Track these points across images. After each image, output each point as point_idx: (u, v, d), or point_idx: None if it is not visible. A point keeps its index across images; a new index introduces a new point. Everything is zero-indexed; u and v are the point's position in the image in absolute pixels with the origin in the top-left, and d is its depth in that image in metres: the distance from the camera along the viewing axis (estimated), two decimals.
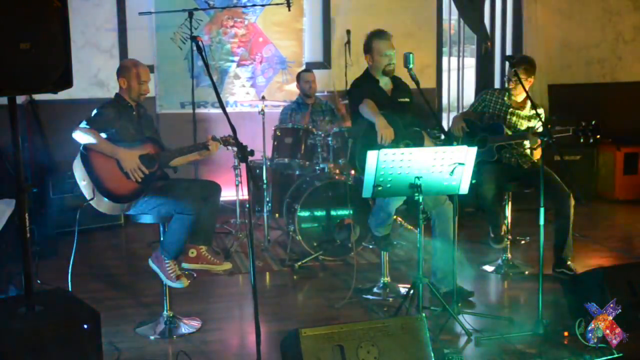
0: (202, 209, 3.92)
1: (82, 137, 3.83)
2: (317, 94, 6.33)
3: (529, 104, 4.93)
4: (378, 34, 4.45)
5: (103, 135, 3.90)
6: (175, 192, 3.92)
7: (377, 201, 4.47)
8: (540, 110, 4.83)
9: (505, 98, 4.99)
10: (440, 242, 4.37)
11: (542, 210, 3.82)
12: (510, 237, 5.09)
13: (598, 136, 4.17)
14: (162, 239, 4.07)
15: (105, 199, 3.82)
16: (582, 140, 4.21)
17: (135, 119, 4.09)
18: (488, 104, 5.04)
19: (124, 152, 3.88)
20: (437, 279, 4.37)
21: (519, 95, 4.95)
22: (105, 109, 3.97)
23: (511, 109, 4.97)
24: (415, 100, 4.47)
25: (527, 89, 4.57)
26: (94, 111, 3.96)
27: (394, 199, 4.25)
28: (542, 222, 3.83)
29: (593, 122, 4.16)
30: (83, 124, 3.85)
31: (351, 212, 5.19)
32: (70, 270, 3.85)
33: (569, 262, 4.81)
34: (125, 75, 4.05)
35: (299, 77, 6.20)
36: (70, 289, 3.83)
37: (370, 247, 5.34)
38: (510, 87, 4.92)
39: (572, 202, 4.75)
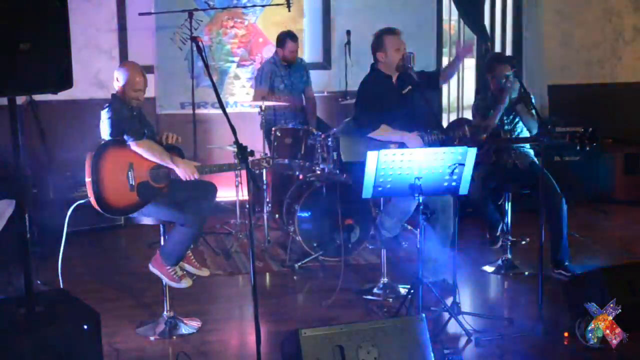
0: (203, 220, 3.98)
1: (145, 152, 3.83)
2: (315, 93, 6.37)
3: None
4: (389, 30, 4.50)
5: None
6: (180, 204, 3.93)
7: (393, 200, 4.46)
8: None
9: (493, 100, 4.99)
10: (441, 234, 4.40)
11: (542, 210, 3.82)
12: (510, 237, 5.08)
13: (595, 143, 4.15)
14: (162, 244, 4.08)
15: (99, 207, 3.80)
16: (578, 148, 4.21)
17: (139, 118, 4.07)
18: (483, 111, 5.03)
19: (180, 162, 3.91)
20: (427, 268, 4.38)
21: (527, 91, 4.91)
22: (121, 111, 3.93)
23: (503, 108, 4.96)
24: (415, 83, 4.54)
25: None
26: (114, 117, 3.88)
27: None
28: (542, 222, 3.83)
29: (590, 129, 4.15)
30: (140, 139, 3.84)
31: (351, 212, 5.20)
32: (60, 267, 3.83)
33: (566, 263, 4.80)
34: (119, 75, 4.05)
35: (283, 43, 6.08)
36: (62, 285, 3.82)
37: (370, 247, 5.32)
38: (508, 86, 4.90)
39: (565, 205, 4.76)
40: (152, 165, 3.90)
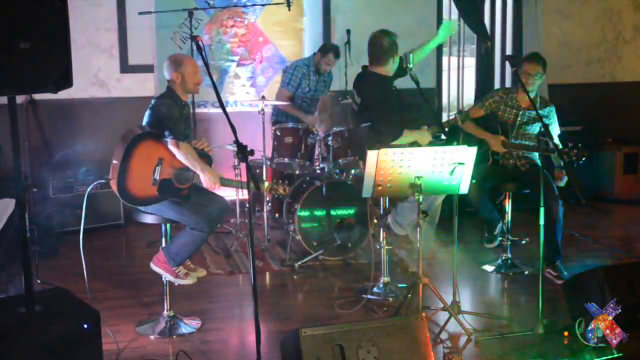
0: (213, 227, 4.05)
1: (179, 153, 3.86)
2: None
3: (538, 102, 4.93)
4: (396, 36, 4.56)
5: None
6: (192, 207, 3.94)
7: (411, 199, 4.49)
8: (547, 111, 4.88)
9: (516, 98, 4.97)
10: (428, 226, 4.46)
11: (542, 210, 3.82)
12: (509, 237, 5.08)
13: (584, 158, 4.14)
14: (166, 245, 4.09)
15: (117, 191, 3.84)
16: (568, 162, 4.20)
17: (184, 118, 4.09)
18: (499, 103, 5.01)
19: (207, 171, 3.93)
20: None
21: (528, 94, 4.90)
22: (172, 109, 3.95)
23: (522, 110, 4.95)
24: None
25: (539, 85, 4.64)
26: (163, 111, 3.91)
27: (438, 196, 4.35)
28: (542, 222, 3.83)
29: (579, 145, 4.15)
30: (180, 140, 3.87)
31: (351, 212, 5.21)
32: (84, 263, 3.84)
33: (557, 263, 4.80)
34: (178, 69, 4.02)
35: (326, 53, 6.07)
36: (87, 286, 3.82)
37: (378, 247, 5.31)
38: (529, 81, 4.79)
39: (561, 207, 4.76)
40: (180, 165, 3.92)
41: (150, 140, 3.88)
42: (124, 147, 3.79)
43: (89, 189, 4.08)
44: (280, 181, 4.25)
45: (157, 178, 3.87)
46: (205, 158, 4.05)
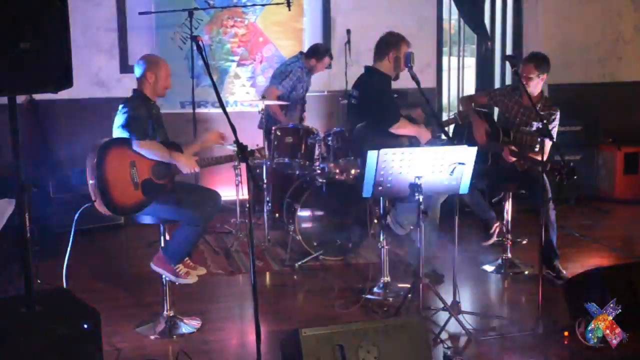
0: (208, 220, 4.03)
1: (147, 152, 3.84)
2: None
3: (541, 102, 4.92)
4: (402, 36, 4.56)
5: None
6: (186, 203, 3.94)
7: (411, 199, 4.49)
8: (549, 114, 4.87)
9: (521, 94, 4.97)
10: (431, 223, 4.46)
11: (542, 210, 3.82)
12: (509, 237, 5.08)
13: (575, 176, 4.11)
14: (165, 244, 4.09)
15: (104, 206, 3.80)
16: (557, 179, 4.20)
17: (154, 117, 4.09)
18: (504, 97, 5.01)
19: (181, 157, 3.93)
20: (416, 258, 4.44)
21: (532, 92, 4.87)
22: (138, 110, 3.93)
23: (522, 109, 4.95)
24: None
25: (541, 86, 4.61)
26: (128, 114, 3.88)
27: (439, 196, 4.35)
28: (542, 222, 3.83)
29: (570, 164, 4.14)
30: (142, 139, 3.83)
31: (351, 212, 5.21)
32: (65, 268, 3.83)
33: (555, 263, 4.79)
34: (153, 69, 4.02)
35: (321, 56, 6.11)
36: (65, 285, 3.82)
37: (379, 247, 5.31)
38: (524, 82, 4.80)
39: (553, 210, 4.76)
40: (154, 162, 3.91)
41: (115, 148, 3.83)
42: (94, 165, 3.74)
43: (77, 214, 3.97)
44: (257, 146, 4.26)
45: (138, 181, 3.85)
46: (174, 146, 4.03)
